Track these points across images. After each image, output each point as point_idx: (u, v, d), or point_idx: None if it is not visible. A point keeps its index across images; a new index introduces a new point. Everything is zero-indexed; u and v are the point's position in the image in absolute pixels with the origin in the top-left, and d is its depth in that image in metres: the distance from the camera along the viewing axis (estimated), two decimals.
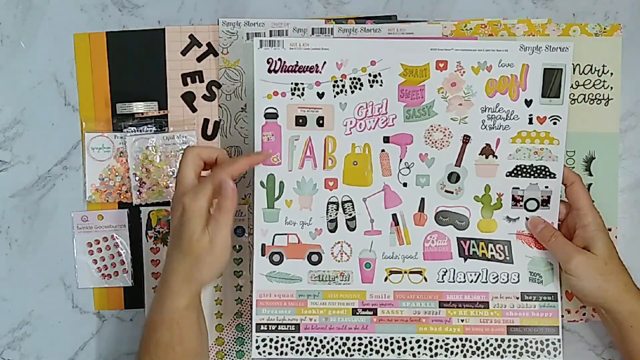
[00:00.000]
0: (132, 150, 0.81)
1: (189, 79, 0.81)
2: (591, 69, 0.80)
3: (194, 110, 0.82)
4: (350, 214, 0.76)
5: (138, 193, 0.81)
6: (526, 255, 0.77)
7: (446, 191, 0.76)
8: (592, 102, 0.80)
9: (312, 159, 0.76)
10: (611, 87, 0.80)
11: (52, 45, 0.81)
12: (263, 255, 0.76)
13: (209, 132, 0.82)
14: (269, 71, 0.74)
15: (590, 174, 0.80)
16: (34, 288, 0.83)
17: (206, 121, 0.82)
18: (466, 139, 0.76)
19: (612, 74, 0.80)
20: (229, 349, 0.82)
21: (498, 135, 0.75)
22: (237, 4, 0.81)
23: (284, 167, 0.75)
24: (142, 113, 0.80)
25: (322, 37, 0.78)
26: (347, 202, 0.76)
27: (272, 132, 0.75)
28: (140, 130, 0.81)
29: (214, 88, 0.82)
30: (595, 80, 0.80)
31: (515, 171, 0.76)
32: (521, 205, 0.76)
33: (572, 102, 0.80)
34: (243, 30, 0.81)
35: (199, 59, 0.81)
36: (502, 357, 0.77)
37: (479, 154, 0.76)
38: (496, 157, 0.76)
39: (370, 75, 0.75)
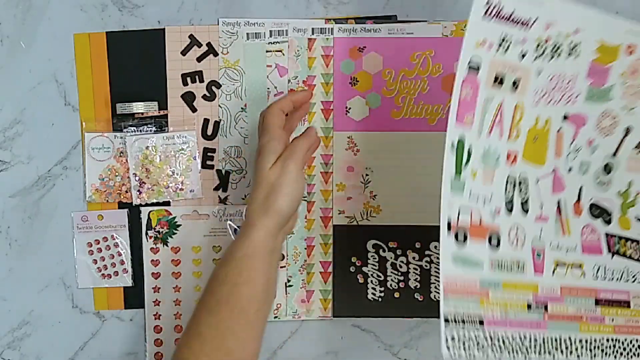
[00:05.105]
0: (132, 150, 0.81)
1: (189, 79, 0.81)
2: None
3: (194, 110, 0.82)
4: (525, 196, 0.71)
5: (138, 193, 0.81)
6: None
7: (599, 182, 0.73)
8: None
9: (500, 126, 0.69)
10: None
11: (52, 45, 0.81)
12: (449, 231, 0.65)
13: (209, 132, 0.82)
14: (485, 14, 0.66)
15: None
16: (34, 288, 0.83)
17: (206, 121, 0.82)
18: (627, 131, 0.73)
19: None
20: None
21: None
22: (237, 4, 0.81)
23: (474, 130, 0.66)
24: (142, 113, 0.80)
25: None
26: (522, 181, 0.70)
27: (471, 87, 0.66)
28: (140, 130, 0.81)
29: (214, 88, 0.82)
30: None
31: None
32: None
33: None
34: (243, 30, 0.81)
35: (199, 59, 0.81)
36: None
37: (634, 148, 0.73)
38: None
39: (571, 43, 0.70)
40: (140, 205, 0.82)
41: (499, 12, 0.66)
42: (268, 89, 0.81)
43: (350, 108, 0.81)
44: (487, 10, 0.65)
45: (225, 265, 0.69)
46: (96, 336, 0.83)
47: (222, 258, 0.70)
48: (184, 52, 0.81)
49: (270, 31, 0.81)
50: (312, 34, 0.81)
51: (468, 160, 0.66)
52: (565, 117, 0.72)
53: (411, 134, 0.81)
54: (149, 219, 0.82)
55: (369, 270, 0.82)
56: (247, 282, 0.67)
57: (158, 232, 0.82)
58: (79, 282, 0.82)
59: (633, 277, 0.74)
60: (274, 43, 0.81)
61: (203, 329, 0.67)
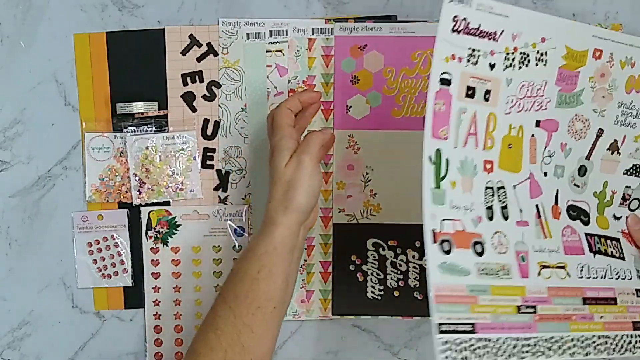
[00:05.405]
0: (132, 150, 0.81)
1: (189, 79, 0.82)
2: None
3: (194, 110, 0.82)
4: (504, 202, 0.72)
5: (138, 193, 0.81)
6: (631, 253, 0.77)
7: (575, 184, 0.75)
8: None
9: (475, 136, 0.69)
10: None
11: (52, 45, 0.81)
12: (434, 242, 0.65)
13: (209, 132, 0.82)
14: (453, 31, 0.67)
15: None
16: (34, 288, 0.82)
17: (206, 121, 0.82)
18: (600, 133, 0.75)
19: None
20: None
21: (625, 132, 0.75)
22: (237, 4, 0.81)
23: (450, 142, 0.67)
24: (142, 113, 0.81)
25: (504, 3, 0.70)
26: (500, 188, 0.71)
27: (444, 101, 0.67)
28: (140, 130, 0.81)
29: (214, 88, 0.82)
30: None
31: (631, 170, 0.76)
32: (627, 204, 0.77)
33: None
34: (243, 30, 0.81)
35: (199, 59, 0.81)
36: (633, 353, 0.74)
37: (607, 149, 0.75)
38: (619, 154, 0.76)
39: (538, 52, 0.71)
40: (140, 205, 0.82)
41: (466, 27, 0.67)
42: (268, 89, 0.81)
43: (351, 106, 0.81)
44: (455, 25, 0.66)
45: (246, 261, 0.69)
46: (96, 336, 0.83)
47: (242, 254, 0.71)
48: (184, 52, 0.81)
49: (270, 31, 0.81)
50: (312, 34, 0.81)
51: (447, 171, 0.67)
52: (537, 124, 0.73)
53: (412, 132, 0.81)
54: (149, 219, 0.82)
55: (368, 269, 0.82)
56: (266, 278, 0.68)
57: (158, 232, 0.82)
58: (79, 282, 0.82)
59: (616, 274, 0.75)
60: (274, 43, 0.81)
61: (220, 323, 0.68)
